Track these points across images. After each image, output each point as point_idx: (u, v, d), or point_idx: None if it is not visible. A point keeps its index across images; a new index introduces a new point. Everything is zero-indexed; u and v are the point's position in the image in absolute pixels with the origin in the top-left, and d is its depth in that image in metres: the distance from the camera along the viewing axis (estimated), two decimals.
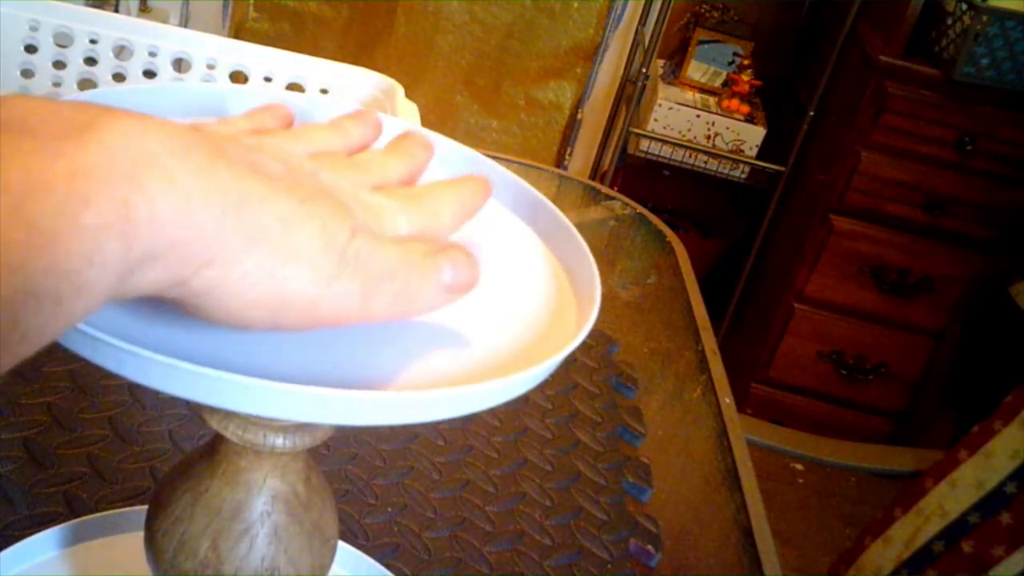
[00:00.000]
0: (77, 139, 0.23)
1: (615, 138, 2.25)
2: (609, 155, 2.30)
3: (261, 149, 0.29)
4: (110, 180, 0.23)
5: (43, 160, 0.22)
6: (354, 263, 0.28)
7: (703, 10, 2.22)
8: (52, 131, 0.23)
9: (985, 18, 1.81)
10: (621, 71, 2.30)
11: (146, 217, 0.24)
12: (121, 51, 0.81)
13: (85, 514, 0.52)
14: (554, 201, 0.39)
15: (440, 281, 0.30)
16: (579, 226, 0.38)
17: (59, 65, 0.80)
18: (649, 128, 2.15)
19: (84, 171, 0.23)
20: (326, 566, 0.38)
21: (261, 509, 0.35)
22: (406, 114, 0.76)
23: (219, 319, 0.27)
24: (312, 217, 0.27)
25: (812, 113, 2.08)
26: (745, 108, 2.16)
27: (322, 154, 0.33)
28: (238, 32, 2.24)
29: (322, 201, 0.28)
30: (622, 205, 1.12)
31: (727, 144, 2.15)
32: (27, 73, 0.80)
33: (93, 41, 0.80)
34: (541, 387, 0.79)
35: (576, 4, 2.22)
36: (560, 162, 2.35)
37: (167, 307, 0.29)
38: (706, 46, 2.19)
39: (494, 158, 0.42)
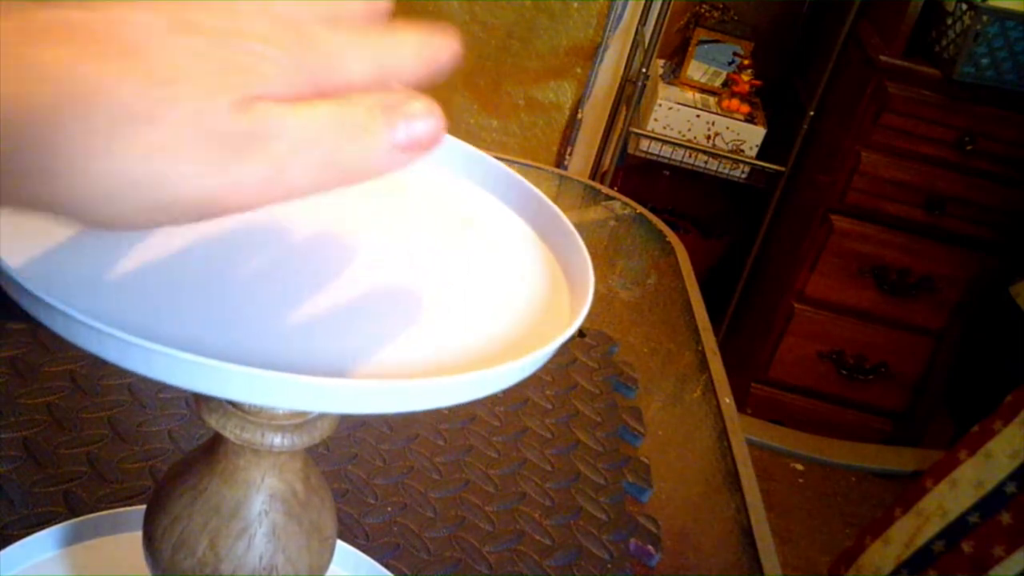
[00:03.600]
0: None
1: (615, 138, 2.25)
2: (609, 155, 2.30)
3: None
4: None
5: None
6: (250, 139, 0.24)
7: (703, 10, 2.22)
8: None
9: (985, 18, 1.81)
10: (621, 71, 2.30)
11: None
12: None
13: (85, 514, 0.52)
14: (554, 201, 0.39)
15: (391, 139, 0.26)
16: (579, 226, 0.38)
17: None
18: (649, 128, 2.15)
19: None
20: (324, 565, 0.38)
21: (259, 508, 0.35)
22: None
23: (110, 226, 0.24)
24: (178, 99, 0.23)
25: (812, 113, 2.08)
26: (745, 108, 2.16)
27: None
28: None
29: (195, 71, 0.23)
30: (622, 205, 1.12)
31: (727, 144, 2.15)
32: None
33: None
34: (541, 387, 0.79)
35: (576, 4, 2.22)
36: (560, 162, 2.35)
37: (151, 289, 0.29)
38: (706, 46, 2.19)
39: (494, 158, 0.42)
